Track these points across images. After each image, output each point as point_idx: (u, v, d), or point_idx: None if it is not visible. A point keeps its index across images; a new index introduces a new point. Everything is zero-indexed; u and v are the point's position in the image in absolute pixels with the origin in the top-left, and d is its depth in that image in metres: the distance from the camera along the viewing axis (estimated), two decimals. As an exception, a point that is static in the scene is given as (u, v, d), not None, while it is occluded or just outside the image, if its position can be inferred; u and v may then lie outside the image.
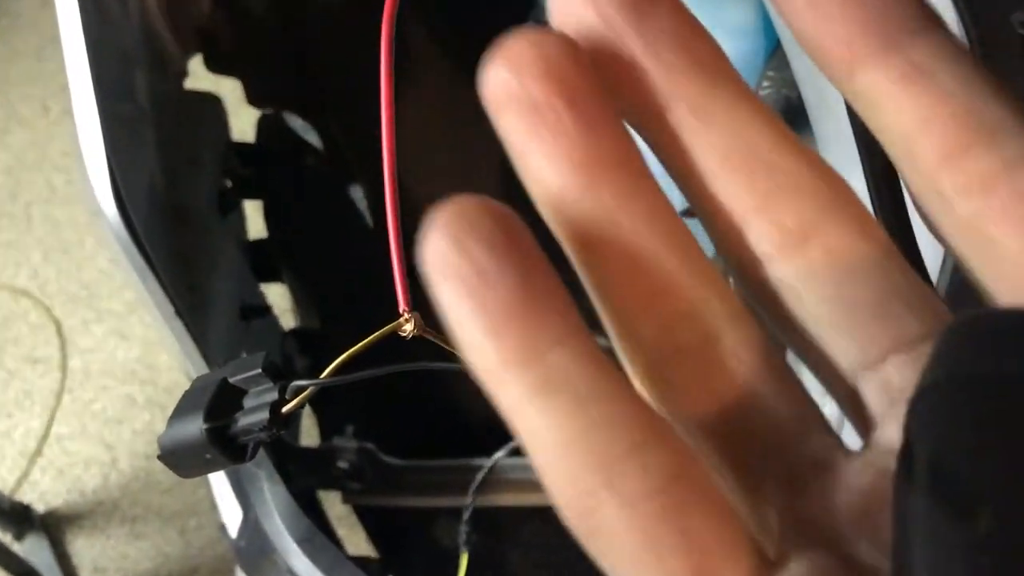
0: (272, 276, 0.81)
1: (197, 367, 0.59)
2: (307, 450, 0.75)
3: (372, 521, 0.81)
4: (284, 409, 0.31)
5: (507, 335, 0.14)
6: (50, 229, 2.06)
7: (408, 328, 0.32)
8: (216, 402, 0.31)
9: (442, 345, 0.32)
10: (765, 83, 0.48)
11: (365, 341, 0.31)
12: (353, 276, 0.83)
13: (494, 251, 0.14)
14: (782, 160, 0.16)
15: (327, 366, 0.84)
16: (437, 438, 0.82)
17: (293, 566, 0.65)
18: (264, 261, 0.79)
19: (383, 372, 0.33)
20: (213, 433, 0.30)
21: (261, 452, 0.69)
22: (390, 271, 0.92)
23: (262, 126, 0.81)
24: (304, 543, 0.66)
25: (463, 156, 0.81)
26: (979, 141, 0.14)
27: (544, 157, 0.15)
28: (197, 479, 1.57)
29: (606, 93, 0.15)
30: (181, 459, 0.32)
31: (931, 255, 0.40)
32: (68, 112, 1.78)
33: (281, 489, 0.67)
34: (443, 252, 0.14)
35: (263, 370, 0.31)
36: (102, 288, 1.95)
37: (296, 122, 0.82)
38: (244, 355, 0.72)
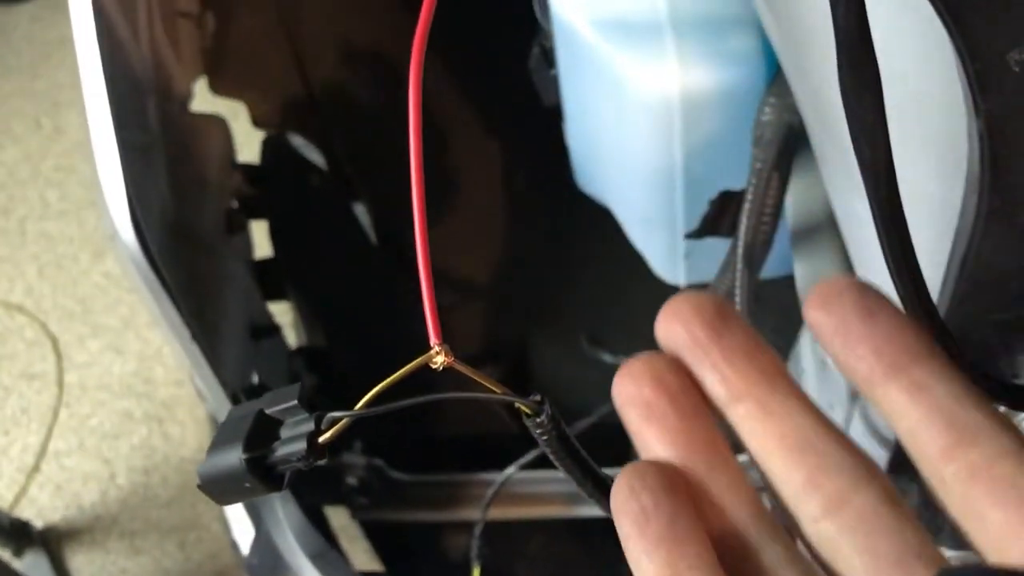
0: (278, 295, 0.82)
1: (212, 389, 0.59)
2: (317, 466, 0.76)
3: (379, 536, 0.82)
4: (320, 440, 0.32)
5: (656, 557, 0.20)
6: (44, 244, 2.06)
7: (439, 360, 0.33)
8: (254, 433, 0.32)
9: (470, 375, 0.33)
10: (767, 109, 0.50)
11: (397, 374, 0.32)
12: (357, 292, 0.85)
13: (655, 498, 0.21)
14: (823, 442, 0.21)
15: (334, 383, 0.85)
16: (443, 454, 0.83)
17: (306, 583, 0.66)
18: (270, 280, 0.80)
19: (413, 403, 0.34)
20: (252, 463, 0.32)
21: (273, 470, 0.70)
22: (394, 286, 0.93)
23: (266, 147, 0.82)
24: (317, 559, 0.67)
25: (465, 183, 0.82)
26: (965, 440, 0.19)
27: (654, 439, 0.22)
28: (195, 494, 1.57)
29: (698, 392, 0.22)
30: (220, 487, 0.33)
31: (930, 273, 0.41)
32: (60, 128, 1.79)
33: (293, 506, 0.68)
34: (623, 496, 0.22)
35: (299, 402, 0.32)
36: (97, 303, 1.95)
37: (299, 142, 0.83)
38: (255, 375, 0.73)
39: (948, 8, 0.31)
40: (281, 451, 0.32)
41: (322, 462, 0.32)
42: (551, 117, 0.67)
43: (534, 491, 0.77)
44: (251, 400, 0.34)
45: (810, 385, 0.66)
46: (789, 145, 0.49)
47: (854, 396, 0.55)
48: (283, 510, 0.69)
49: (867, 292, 0.21)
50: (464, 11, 0.81)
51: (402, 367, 0.81)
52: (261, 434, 0.32)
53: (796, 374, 0.70)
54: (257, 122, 0.82)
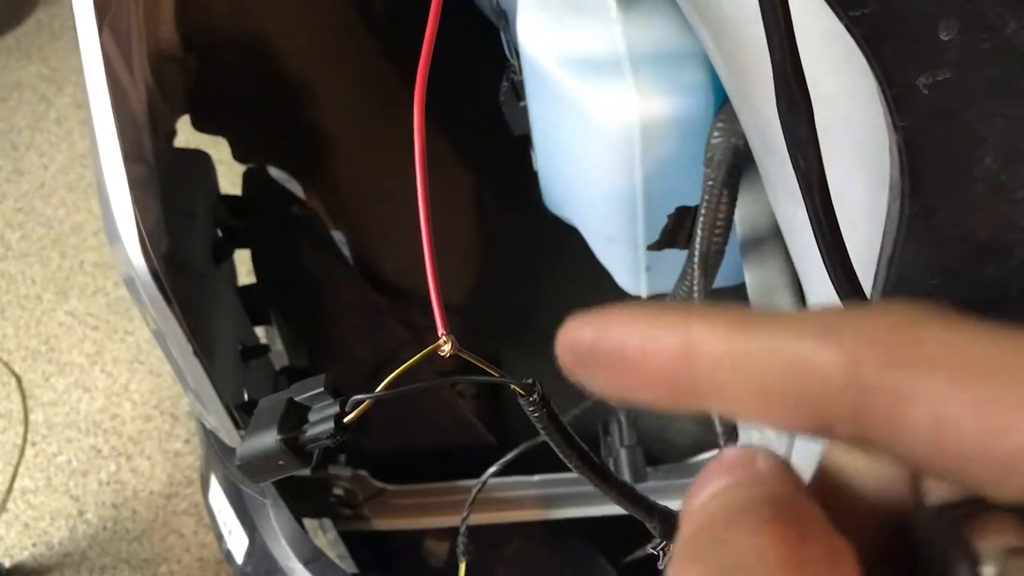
0: (262, 319, 0.86)
1: (213, 405, 0.64)
2: (304, 479, 0.80)
3: (361, 545, 0.87)
4: (346, 420, 0.37)
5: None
6: (5, 286, 2.07)
7: (446, 348, 0.39)
8: (286, 417, 0.37)
9: (474, 362, 0.38)
10: (715, 133, 0.56)
11: (412, 360, 0.37)
12: (336, 314, 0.89)
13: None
14: None
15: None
16: (421, 465, 0.88)
17: (301, 586, 0.70)
18: (254, 305, 0.85)
19: (427, 386, 0.39)
20: (286, 443, 0.36)
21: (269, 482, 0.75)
22: (371, 307, 0.99)
23: (248, 179, 0.87)
24: (311, 564, 0.71)
25: (437, 207, 0.87)
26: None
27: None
28: (166, 527, 1.58)
29: None
30: (257, 467, 0.37)
31: (864, 271, 0.47)
32: (20, 170, 1.81)
33: (286, 514, 0.72)
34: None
35: (324, 389, 0.37)
36: (62, 342, 1.97)
37: (278, 174, 0.88)
38: (245, 394, 0.78)
39: (868, 43, 0.38)
40: (311, 431, 0.37)
41: (345, 438, 0.37)
42: (518, 145, 0.73)
43: (510, 496, 0.82)
44: (278, 396, 0.39)
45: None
46: (736, 164, 0.55)
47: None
48: (276, 519, 0.73)
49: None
50: (437, 50, 0.87)
51: (375, 375, 0.89)
52: (292, 418, 0.37)
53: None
54: (238, 156, 0.87)
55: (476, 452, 0.87)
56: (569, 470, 0.87)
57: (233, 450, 0.76)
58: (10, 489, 1.81)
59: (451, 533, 0.85)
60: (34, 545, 1.76)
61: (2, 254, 2.11)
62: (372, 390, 0.93)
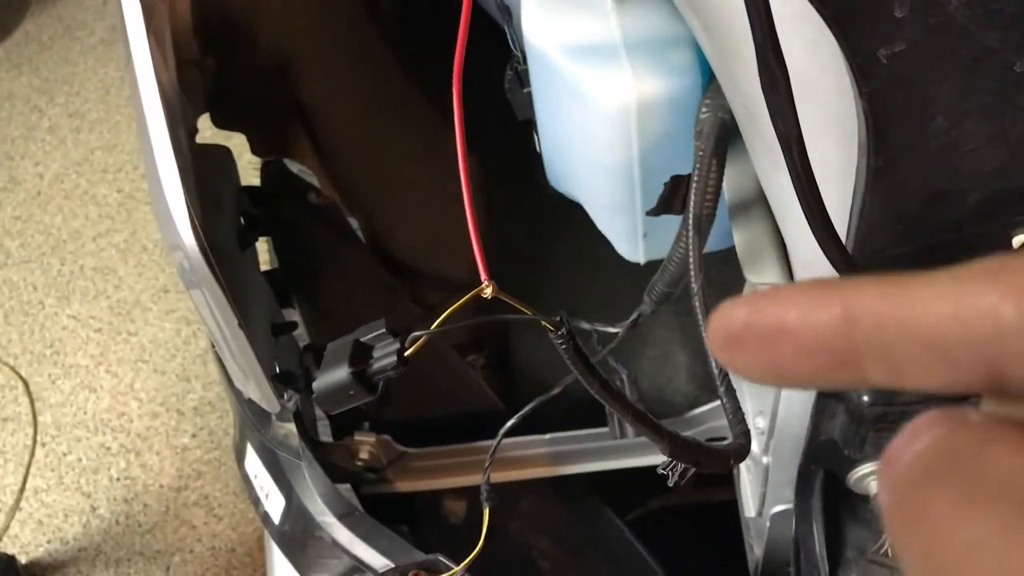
0: (284, 302, 0.93)
1: (255, 373, 0.70)
2: (333, 444, 0.86)
3: (384, 506, 0.93)
4: (406, 353, 0.43)
5: None
6: (8, 293, 2.12)
7: (488, 291, 0.45)
8: (354, 354, 0.44)
9: (514, 304, 0.45)
10: (704, 109, 0.63)
11: (459, 302, 0.44)
12: (354, 294, 0.96)
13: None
14: None
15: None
16: (438, 430, 0.94)
17: (337, 538, 0.77)
18: (276, 289, 0.91)
19: (472, 323, 0.45)
20: (356, 375, 0.43)
21: (301, 443, 0.81)
22: (379, 286, 1.06)
23: (266, 171, 0.93)
24: (345, 518, 0.77)
25: (447, 189, 0.94)
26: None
27: None
28: (178, 519, 1.64)
29: None
30: (331, 398, 0.44)
31: (839, 223, 0.54)
32: (16, 179, 1.87)
33: (320, 473, 0.79)
34: None
35: (386, 330, 0.44)
36: (67, 345, 2.02)
37: (295, 165, 0.95)
38: (277, 368, 0.84)
39: (834, 22, 0.45)
40: (377, 364, 0.44)
41: (405, 369, 0.44)
42: (521, 131, 0.80)
43: (522, 455, 0.89)
44: (344, 338, 0.46)
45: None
46: (723, 135, 0.62)
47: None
48: (311, 478, 0.79)
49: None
50: (442, 45, 0.93)
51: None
52: (359, 355, 0.44)
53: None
54: (257, 151, 0.93)
55: (487, 417, 0.94)
56: (576, 428, 0.93)
57: (269, 417, 0.83)
58: (22, 489, 1.86)
59: (467, 492, 0.92)
60: (49, 542, 1.81)
61: (3, 262, 2.16)
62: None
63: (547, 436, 0.88)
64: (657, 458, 0.92)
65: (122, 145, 2.27)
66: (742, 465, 0.90)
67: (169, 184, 0.64)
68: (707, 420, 0.88)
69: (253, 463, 0.84)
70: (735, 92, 0.58)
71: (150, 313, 2.02)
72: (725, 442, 0.57)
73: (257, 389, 0.74)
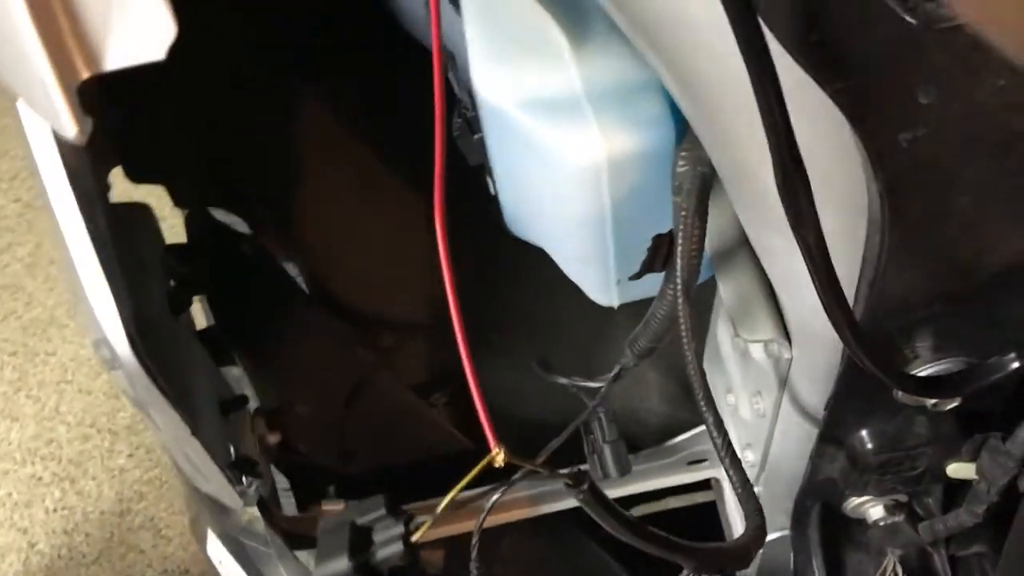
0: (225, 361, 0.86)
1: (213, 474, 0.64)
2: (297, 518, 0.81)
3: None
4: (413, 538, 0.38)
5: None
6: (-89, 322, 1.99)
7: (499, 459, 0.40)
8: (354, 543, 0.39)
9: (526, 464, 0.40)
10: (680, 162, 0.58)
11: (465, 479, 0.39)
12: (302, 346, 0.90)
13: None
14: None
15: (295, 439, 0.91)
16: (405, 480, 0.89)
17: (321, 629, 0.72)
18: (216, 349, 0.84)
19: (481, 493, 0.41)
20: (358, 568, 0.38)
21: (269, 531, 0.76)
22: (328, 334, 0.99)
23: (191, 224, 0.85)
24: (328, 607, 0.73)
25: (389, 226, 0.87)
26: None
27: None
28: (124, 545, 1.57)
29: None
30: (331, 594, 0.39)
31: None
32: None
33: (293, 563, 0.74)
34: None
35: (386, 510, 0.39)
36: (-20, 374, 1.90)
37: (221, 214, 0.87)
38: (232, 451, 0.78)
39: (850, 111, 0.40)
40: (382, 553, 0.39)
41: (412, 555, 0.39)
42: (471, 169, 0.74)
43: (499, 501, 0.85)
44: (338, 520, 0.40)
45: (733, 374, 0.75)
46: (705, 190, 0.57)
47: (782, 381, 0.65)
48: (284, 567, 0.74)
49: None
50: (387, 83, 0.86)
51: (348, 402, 0.90)
52: (359, 542, 0.39)
53: (715, 362, 0.80)
54: (179, 202, 0.85)
55: (457, 458, 0.90)
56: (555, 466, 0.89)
57: (228, 508, 0.77)
58: (-47, 533, 1.76)
59: (444, 543, 0.87)
60: (-12, 585, 1.73)
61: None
62: (348, 417, 0.94)
63: (524, 480, 0.84)
64: (639, 486, 0.90)
65: (14, 150, 2.12)
66: (726, 487, 0.88)
67: (95, 292, 0.57)
68: (687, 447, 0.85)
69: (216, 549, 0.79)
70: (717, 144, 0.54)
71: (67, 330, 1.91)
72: (740, 536, 0.53)
73: (217, 488, 0.68)
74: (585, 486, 0.41)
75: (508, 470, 0.41)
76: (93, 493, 1.78)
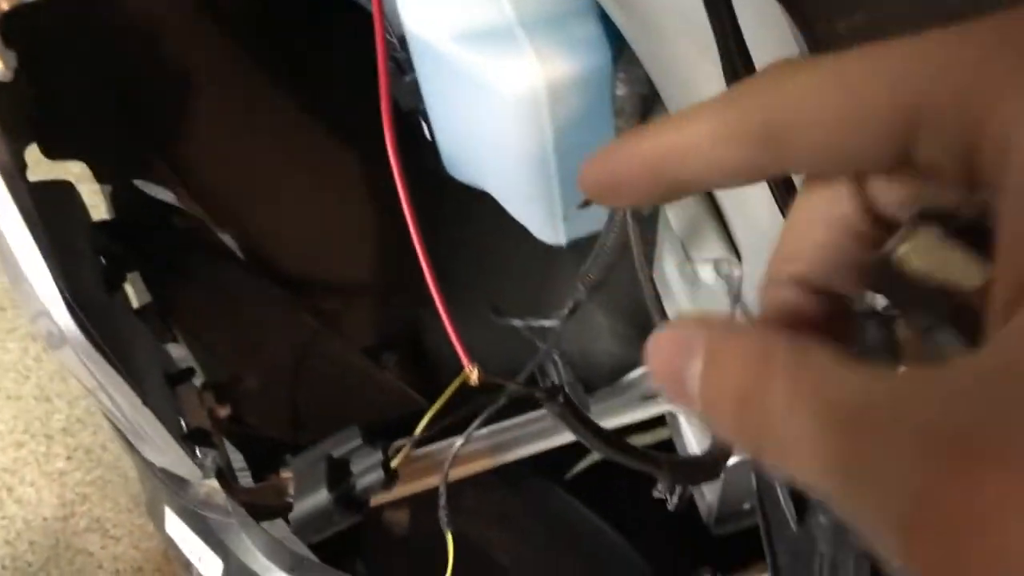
0: (168, 338, 0.84)
1: (171, 446, 0.63)
2: (256, 488, 0.80)
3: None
4: (392, 464, 0.37)
5: None
6: None
7: (474, 377, 0.40)
8: (331, 475, 0.38)
9: (500, 381, 0.40)
10: (619, 84, 0.57)
11: (440, 400, 0.38)
12: (242, 316, 0.88)
13: None
14: None
15: (245, 411, 0.89)
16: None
17: (290, 594, 0.71)
18: (156, 327, 0.82)
19: (465, 415, 0.40)
20: (339, 499, 0.37)
21: (229, 501, 0.74)
22: (270, 303, 0.97)
23: (116, 200, 0.83)
24: (295, 571, 0.72)
25: (322, 188, 0.86)
26: None
27: None
28: (71, 550, 1.54)
29: None
30: (312, 527, 0.38)
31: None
32: None
33: (257, 530, 0.72)
34: None
35: (362, 440, 0.38)
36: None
37: (148, 187, 0.85)
38: (182, 421, 0.76)
39: (788, 1, 0.40)
40: (362, 482, 0.38)
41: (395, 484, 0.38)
42: (404, 116, 0.72)
43: (460, 453, 0.84)
44: (308, 451, 0.39)
45: (683, 306, 0.76)
46: (646, 112, 0.57)
47: (735, 300, 0.65)
48: (248, 536, 0.73)
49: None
50: (310, 32, 0.84)
51: (297, 370, 0.89)
52: (337, 474, 0.38)
53: (665, 301, 0.80)
54: (101, 177, 0.82)
55: (411, 418, 0.89)
56: (512, 417, 0.89)
57: (185, 480, 0.75)
58: None
59: (408, 501, 0.87)
60: (-69, 607, 1.67)
61: None
62: (298, 385, 0.92)
63: (485, 430, 0.83)
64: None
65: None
66: (682, 421, 0.89)
67: (30, 267, 0.55)
68: (641, 383, 0.85)
69: (176, 526, 0.77)
70: (657, 60, 0.53)
71: (-11, 337, 1.85)
72: (708, 448, 0.54)
73: (173, 459, 0.67)
74: (560, 399, 0.40)
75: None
76: (33, 500, 1.72)
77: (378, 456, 0.38)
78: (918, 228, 0.20)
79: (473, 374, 0.39)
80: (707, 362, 0.21)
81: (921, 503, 0.15)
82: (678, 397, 0.22)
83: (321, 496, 0.37)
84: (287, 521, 0.83)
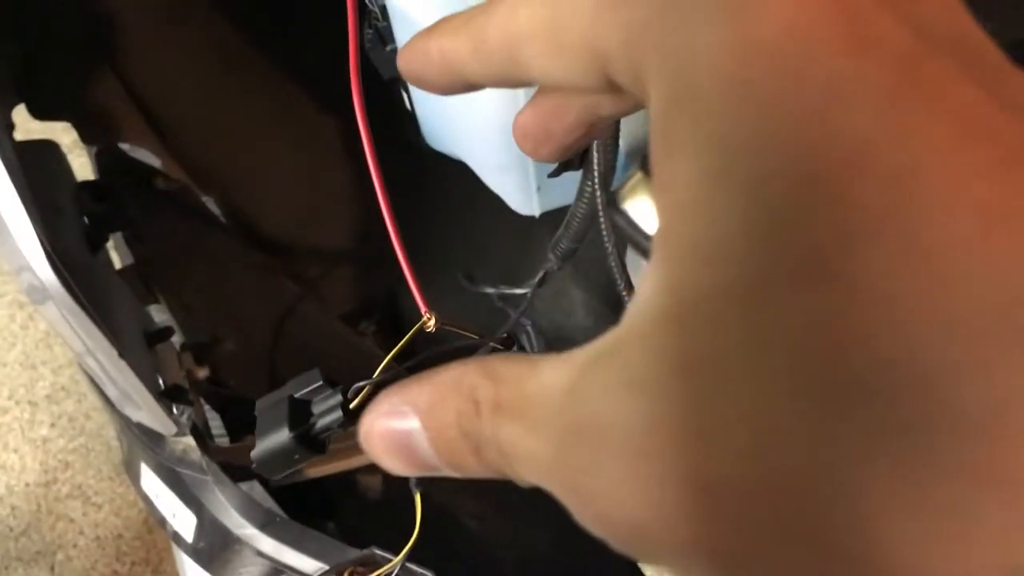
0: (148, 299, 0.85)
1: (146, 400, 0.64)
2: (232, 448, 0.81)
3: (298, 496, 0.89)
4: (351, 405, 0.39)
5: None
6: None
7: (431, 324, 0.41)
8: (293, 414, 0.39)
9: (456, 330, 0.41)
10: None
11: (402, 341, 0.40)
12: (224, 279, 0.89)
13: None
14: None
15: (224, 373, 0.91)
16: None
17: (262, 548, 0.73)
18: (137, 288, 0.83)
19: (416, 362, 0.41)
20: (299, 438, 0.38)
21: (204, 458, 0.76)
22: (250, 267, 0.99)
23: (101, 161, 0.84)
24: (267, 527, 0.73)
25: (305, 153, 0.87)
26: None
27: None
28: (52, 515, 1.56)
29: None
30: (273, 465, 0.39)
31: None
32: None
33: (231, 487, 0.74)
34: None
35: (323, 381, 0.39)
36: None
37: (133, 149, 0.86)
38: (160, 379, 0.78)
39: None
40: (321, 422, 0.39)
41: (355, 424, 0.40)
42: (384, 86, 0.74)
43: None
44: (270, 393, 0.41)
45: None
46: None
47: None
48: (222, 492, 0.74)
49: None
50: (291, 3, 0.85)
51: (276, 334, 0.91)
52: (298, 414, 0.39)
53: (634, 273, 0.82)
54: (86, 138, 0.83)
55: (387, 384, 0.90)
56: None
57: (162, 436, 0.77)
58: None
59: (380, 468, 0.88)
60: (-88, 564, 1.68)
61: None
62: (277, 349, 0.93)
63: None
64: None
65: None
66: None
67: (12, 216, 0.56)
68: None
69: (152, 483, 0.78)
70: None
71: (-25, 304, 1.86)
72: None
73: (149, 415, 0.68)
74: (515, 348, 0.42)
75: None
76: (16, 466, 1.74)
77: (338, 397, 0.39)
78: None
79: (430, 321, 0.40)
80: (424, 412, 0.24)
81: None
82: (413, 464, 0.26)
83: (283, 435, 0.38)
84: (264, 484, 0.85)
